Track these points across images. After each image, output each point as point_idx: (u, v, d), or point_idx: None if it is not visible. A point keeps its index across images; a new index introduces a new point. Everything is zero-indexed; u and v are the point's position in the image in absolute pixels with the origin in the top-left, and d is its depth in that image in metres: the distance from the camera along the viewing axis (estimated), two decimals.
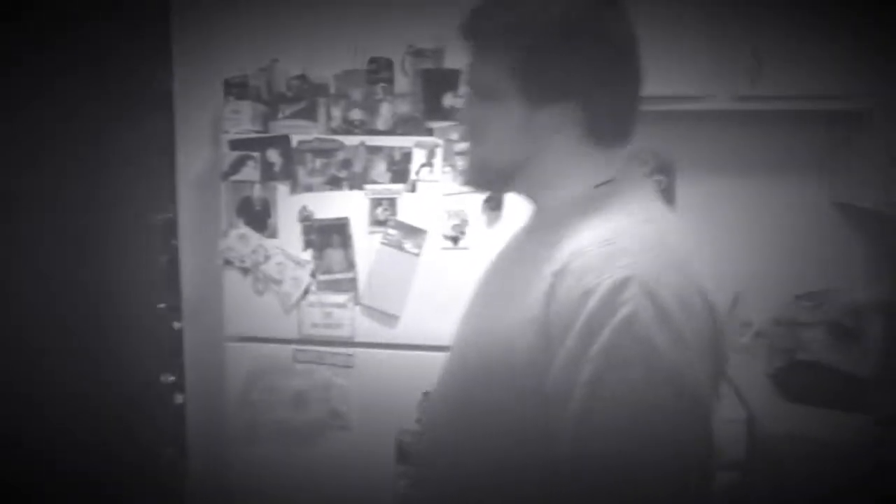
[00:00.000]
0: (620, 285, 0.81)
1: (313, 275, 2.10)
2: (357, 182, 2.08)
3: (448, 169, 2.05)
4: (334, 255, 2.09)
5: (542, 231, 0.97)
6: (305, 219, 2.10)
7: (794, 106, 2.23)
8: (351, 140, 2.09)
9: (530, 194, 1.02)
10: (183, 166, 2.35)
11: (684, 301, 0.83)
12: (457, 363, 1.02)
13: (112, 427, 2.12)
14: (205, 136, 2.32)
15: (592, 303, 0.81)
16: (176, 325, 2.32)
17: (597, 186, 0.95)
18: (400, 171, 2.07)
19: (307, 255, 2.10)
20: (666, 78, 2.23)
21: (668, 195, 2.59)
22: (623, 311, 0.80)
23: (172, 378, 2.31)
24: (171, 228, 2.34)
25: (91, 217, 2.19)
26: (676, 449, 0.80)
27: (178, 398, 2.34)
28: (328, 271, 2.10)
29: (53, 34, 2.23)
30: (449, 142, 2.05)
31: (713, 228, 2.57)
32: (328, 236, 2.09)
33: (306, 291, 2.10)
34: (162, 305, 2.16)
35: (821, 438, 1.98)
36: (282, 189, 2.10)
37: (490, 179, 1.04)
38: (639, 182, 0.98)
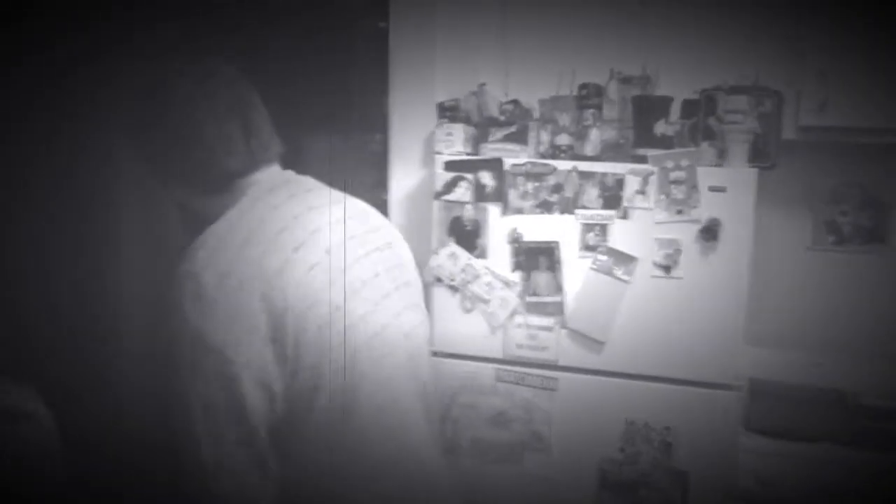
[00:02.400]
0: (177, 275, 1.12)
1: (520, 296, 2.13)
2: (568, 207, 2.10)
3: (662, 197, 2.04)
4: (542, 278, 2.12)
5: None
6: (515, 241, 2.14)
7: None
8: (563, 165, 2.11)
9: None
10: (395, 184, 2.44)
11: (225, 278, 1.10)
12: None
13: None
14: (416, 156, 2.41)
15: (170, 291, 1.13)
16: None
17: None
18: (612, 197, 2.07)
19: (515, 276, 2.13)
20: (884, 110, 2.16)
21: (877, 232, 2.48)
22: (173, 291, 1.11)
23: None
24: None
25: None
26: (200, 402, 1.08)
27: None
28: (535, 293, 2.12)
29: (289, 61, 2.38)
30: (664, 170, 2.04)
31: None
32: (537, 259, 2.12)
33: (513, 312, 2.14)
34: None
35: None
36: (493, 210, 2.14)
37: None
38: (256, 194, 1.24)
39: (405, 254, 1.46)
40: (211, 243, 1.14)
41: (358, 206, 1.40)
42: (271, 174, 1.29)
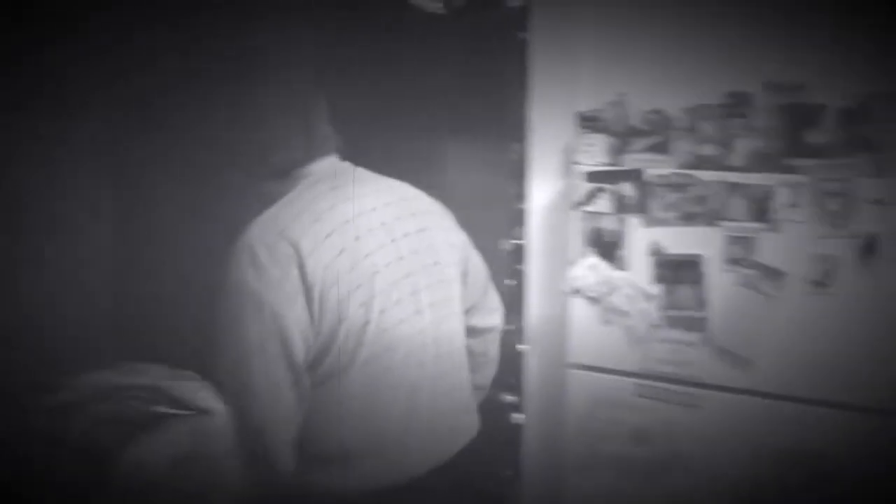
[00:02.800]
0: (236, 246, 1.32)
1: (661, 310, 2.08)
2: (713, 219, 2.04)
3: (816, 209, 1.94)
4: (685, 292, 2.06)
5: None
6: (656, 253, 2.09)
7: None
8: (708, 176, 2.05)
9: None
10: (533, 194, 2.44)
11: (273, 250, 1.29)
12: None
13: None
14: (555, 166, 2.40)
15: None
16: (519, 347, 2.41)
17: None
18: (760, 209, 1.99)
19: (656, 289, 2.08)
20: None
21: None
22: (232, 261, 1.31)
23: (513, 398, 2.40)
24: (519, 254, 2.44)
25: None
26: (256, 345, 1.27)
27: (517, 418, 2.43)
28: (677, 307, 2.07)
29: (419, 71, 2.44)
30: (817, 181, 1.94)
31: None
32: (679, 272, 2.06)
33: (654, 326, 2.09)
34: (511, 327, 2.25)
35: None
36: (633, 222, 2.11)
37: None
38: (307, 184, 1.42)
39: (438, 236, 1.55)
40: (263, 222, 1.35)
41: (401, 193, 1.53)
42: (325, 165, 1.45)
